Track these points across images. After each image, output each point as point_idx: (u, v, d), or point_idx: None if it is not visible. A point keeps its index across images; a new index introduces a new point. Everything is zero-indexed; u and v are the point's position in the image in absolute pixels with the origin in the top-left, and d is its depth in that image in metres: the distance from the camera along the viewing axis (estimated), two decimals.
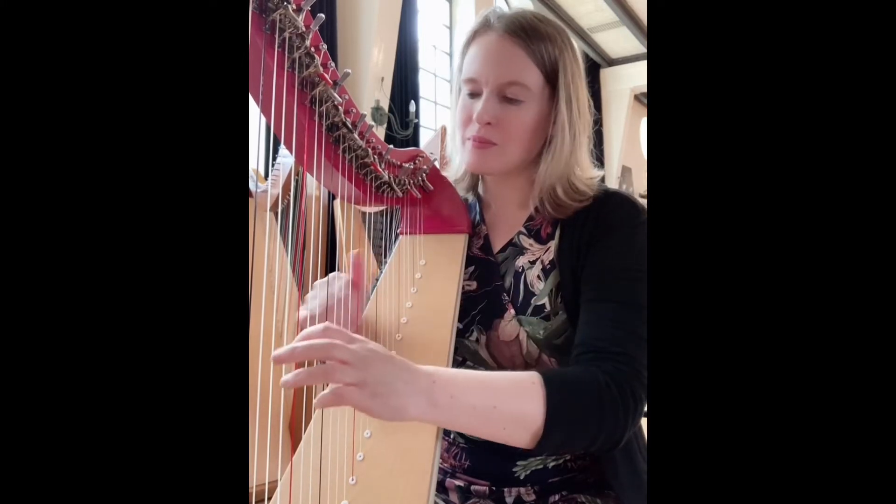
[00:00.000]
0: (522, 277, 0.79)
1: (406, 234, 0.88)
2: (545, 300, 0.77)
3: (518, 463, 0.78)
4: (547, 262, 0.78)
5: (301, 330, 0.55)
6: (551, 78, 0.76)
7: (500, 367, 0.79)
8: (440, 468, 0.83)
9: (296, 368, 0.50)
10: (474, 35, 0.79)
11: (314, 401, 0.51)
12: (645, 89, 7.49)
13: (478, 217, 0.88)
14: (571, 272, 0.75)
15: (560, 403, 0.59)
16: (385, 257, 0.89)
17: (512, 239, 0.83)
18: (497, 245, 0.84)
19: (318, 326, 0.52)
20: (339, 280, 0.73)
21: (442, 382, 0.56)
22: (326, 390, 0.50)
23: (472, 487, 0.80)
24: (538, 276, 0.78)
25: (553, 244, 0.79)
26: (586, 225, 0.76)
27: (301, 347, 0.49)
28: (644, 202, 0.69)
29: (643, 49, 7.06)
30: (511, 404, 0.58)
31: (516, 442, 0.60)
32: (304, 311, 0.72)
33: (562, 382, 0.61)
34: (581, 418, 0.60)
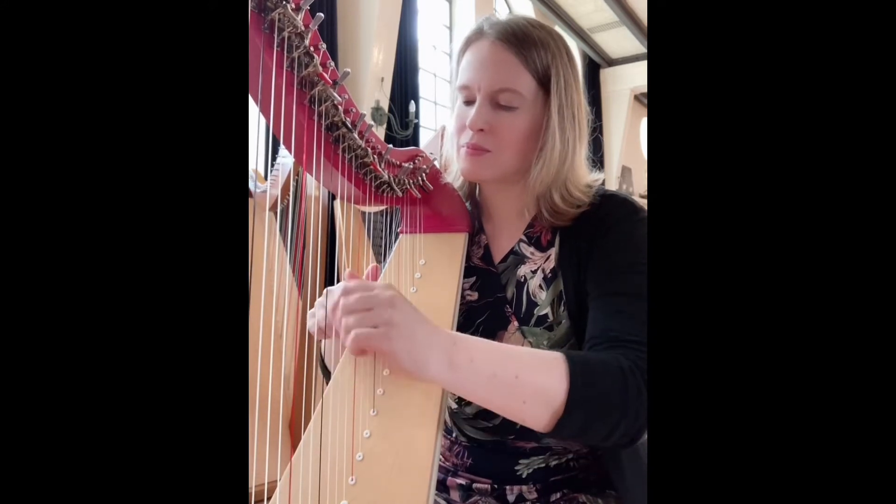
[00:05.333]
0: (525, 288, 0.79)
1: (406, 233, 0.88)
2: (548, 310, 0.76)
3: (520, 461, 0.78)
4: (548, 271, 0.78)
5: (314, 346, 0.58)
6: (544, 84, 0.76)
7: None
8: (442, 467, 0.83)
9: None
10: (468, 43, 0.79)
11: (346, 342, 0.53)
12: (645, 89, 7.50)
13: (477, 225, 0.88)
14: (573, 278, 0.75)
15: (583, 381, 0.57)
16: (385, 257, 0.89)
17: (513, 247, 0.82)
18: (498, 255, 0.84)
19: (338, 288, 0.55)
20: None
21: (463, 345, 0.55)
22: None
23: (475, 485, 0.80)
24: (540, 286, 0.78)
25: (553, 251, 0.79)
26: (585, 229, 0.76)
27: (349, 335, 0.53)
28: (644, 202, 0.69)
29: (643, 49, 7.07)
30: (533, 376, 0.57)
31: (535, 420, 0.58)
32: (310, 321, 0.72)
33: (585, 362, 0.60)
34: (604, 399, 0.58)
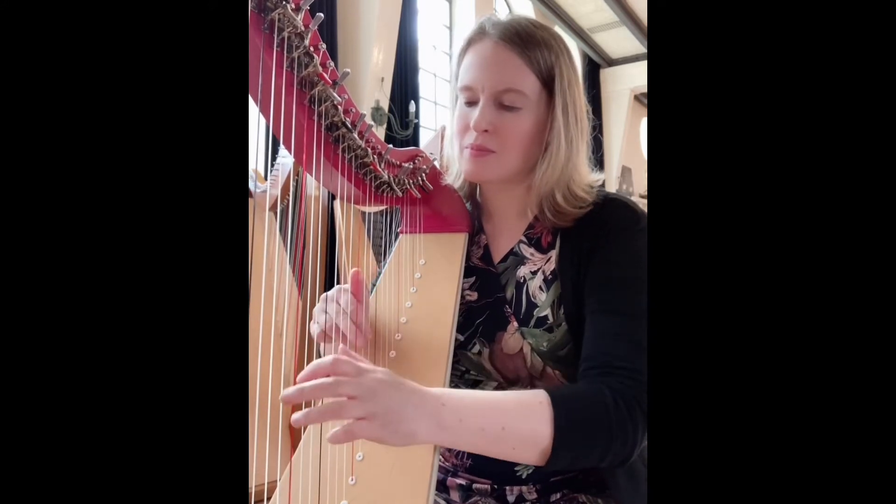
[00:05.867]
0: (524, 289, 0.79)
1: (406, 233, 0.88)
2: (547, 311, 0.76)
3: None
4: (548, 273, 0.78)
5: (314, 346, 0.55)
6: (548, 84, 0.76)
7: (505, 378, 0.79)
8: (442, 467, 0.83)
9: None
10: (469, 43, 0.78)
11: (326, 437, 0.52)
12: (645, 89, 7.50)
13: (477, 225, 0.88)
14: (573, 282, 0.75)
15: (567, 423, 0.60)
16: (385, 257, 0.89)
17: (512, 248, 0.82)
18: (497, 255, 0.84)
19: (328, 359, 0.53)
20: (346, 294, 0.72)
21: (451, 405, 0.57)
22: (337, 427, 0.52)
23: (474, 486, 0.80)
24: (540, 287, 0.78)
25: (554, 253, 0.79)
26: (586, 232, 0.76)
27: (309, 388, 0.50)
28: (644, 202, 0.69)
29: (643, 49, 7.06)
30: (519, 425, 0.59)
31: (526, 460, 0.61)
32: (315, 328, 0.72)
33: (569, 402, 0.62)
34: (589, 437, 0.61)
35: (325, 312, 0.71)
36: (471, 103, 0.77)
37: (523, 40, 0.74)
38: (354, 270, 0.73)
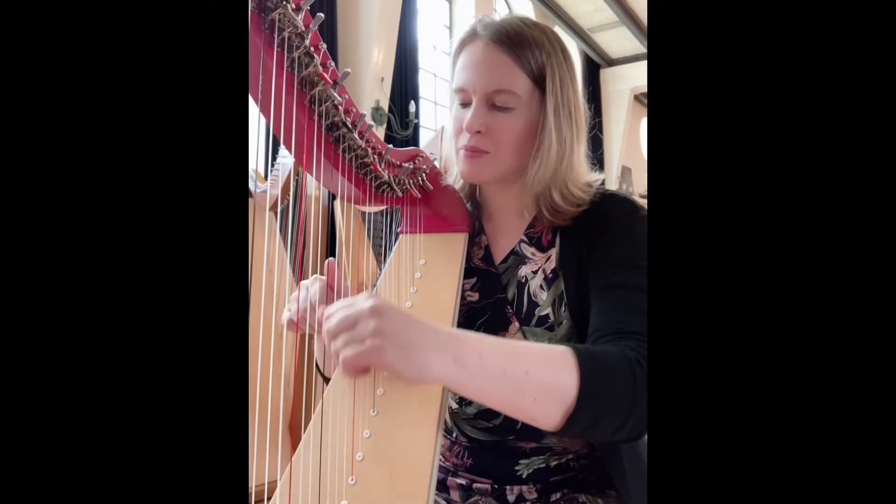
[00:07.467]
0: (526, 288, 0.79)
1: (406, 233, 0.88)
2: (549, 310, 0.76)
3: (520, 461, 0.78)
4: (549, 272, 0.78)
5: (314, 346, 0.55)
6: (540, 83, 0.75)
7: None
8: (442, 467, 0.83)
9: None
10: (462, 45, 0.78)
11: (342, 356, 0.50)
12: (645, 89, 7.50)
13: (477, 226, 0.88)
14: (574, 278, 0.75)
15: (594, 375, 0.55)
16: (385, 257, 0.89)
17: (513, 248, 0.82)
18: (498, 255, 0.84)
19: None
20: (318, 282, 0.72)
21: (470, 342, 0.54)
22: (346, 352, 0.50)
23: (475, 486, 0.80)
24: (541, 286, 0.78)
25: (554, 251, 0.79)
26: (586, 228, 0.76)
27: (329, 343, 0.51)
28: (644, 202, 0.69)
29: (643, 49, 7.06)
30: (543, 372, 0.55)
31: (545, 417, 0.56)
32: (285, 314, 0.72)
33: (593, 355, 0.58)
34: (615, 392, 0.56)
35: (297, 301, 0.71)
36: (465, 105, 0.77)
37: (513, 40, 0.74)
38: (329, 260, 0.72)
